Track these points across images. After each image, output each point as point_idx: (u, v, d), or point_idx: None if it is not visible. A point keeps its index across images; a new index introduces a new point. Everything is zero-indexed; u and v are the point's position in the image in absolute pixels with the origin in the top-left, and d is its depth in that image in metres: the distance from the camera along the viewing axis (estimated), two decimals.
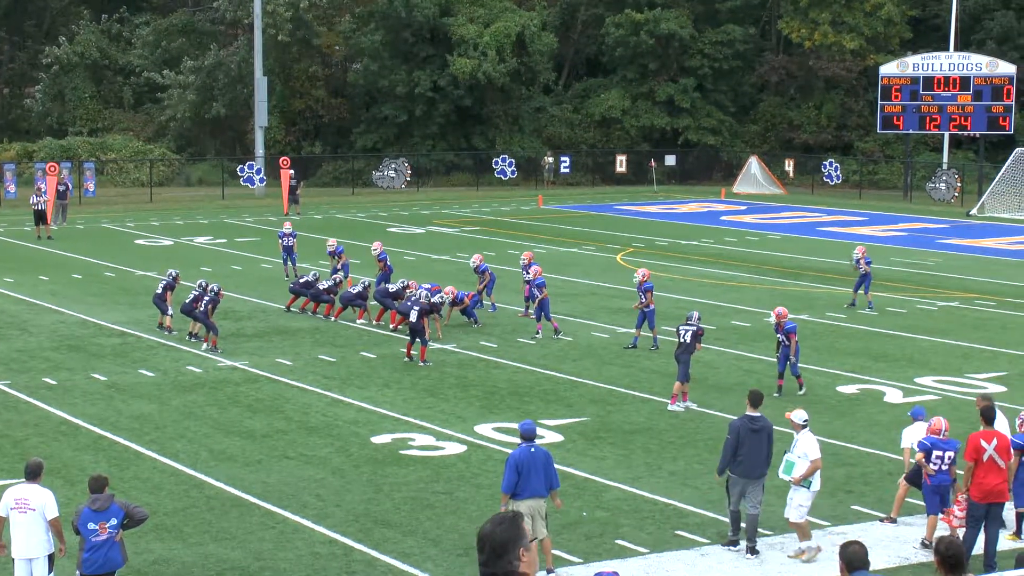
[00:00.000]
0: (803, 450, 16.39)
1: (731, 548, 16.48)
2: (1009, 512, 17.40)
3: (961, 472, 16.68)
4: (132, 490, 18.43)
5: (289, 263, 37.67)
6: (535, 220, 54.69)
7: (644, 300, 28.27)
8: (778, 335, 24.63)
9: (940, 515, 16.69)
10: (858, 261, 33.29)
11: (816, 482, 16.46)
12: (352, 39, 73.25)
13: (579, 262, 42.17)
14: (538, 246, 44.36)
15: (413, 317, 26.94)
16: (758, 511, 16.51)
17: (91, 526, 13.57)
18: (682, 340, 23.81)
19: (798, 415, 16.78)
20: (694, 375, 24.30)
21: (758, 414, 16.73)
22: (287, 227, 38.40)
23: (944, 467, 16.54)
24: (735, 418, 17.18)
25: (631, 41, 72.68)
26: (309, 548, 16.50)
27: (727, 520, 16.81)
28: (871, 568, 15.77)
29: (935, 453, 16.54)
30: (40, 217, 47.76)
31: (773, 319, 24.98)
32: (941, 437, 16.68)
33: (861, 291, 33.38)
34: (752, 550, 16.41)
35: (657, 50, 73.18)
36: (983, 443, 15.93)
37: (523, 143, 73.30)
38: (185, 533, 16.98)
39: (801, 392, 24.39)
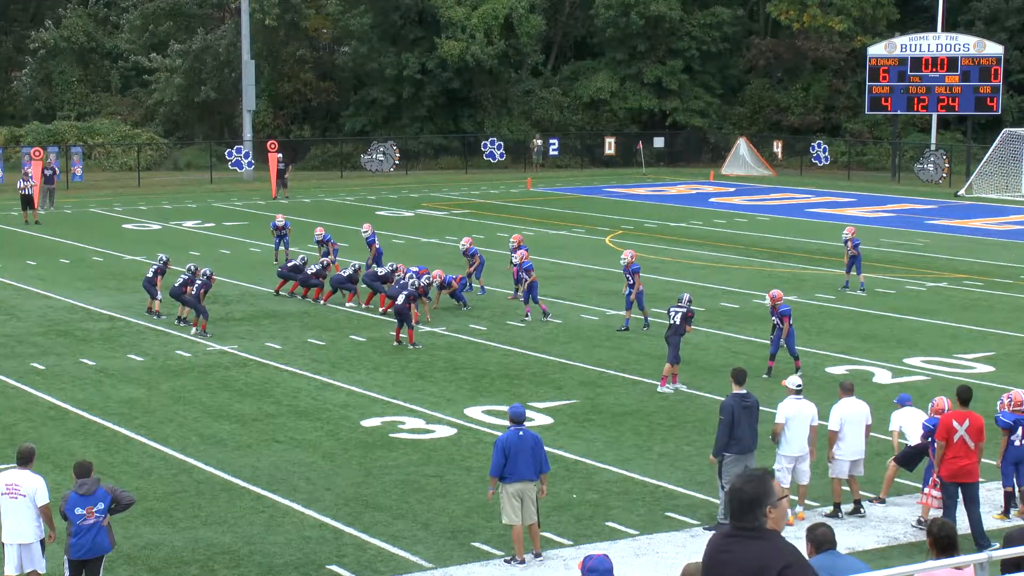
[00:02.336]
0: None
1: None
2: (997, 492, 17.47)
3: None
4: (122, 475, 18.41)
5: (282, 247, 37.35)
6: (524, 203, 54.66)
7: (633, 281, 28.21)
8: (773, 317, 24.63)
9: (919, 498, 16.81)
10: (846, 242, 33.23)
11: (784, 447, 16.95)
12: (340, 21, 73.07)
13: (568, 245, 42.17)
14: (527, 229, 44.33)
15: (400, 300, 26.95)
16: None
17: (78, 511, 13.55)
18: (672, 322, 23.85)
19: (791, 381, 17.42)
20: (684, 357, 24.31)
21: (745, 391, 16.94)
22: (280, 219, 37.86)
23: None
24: (724, 398, 17.25)
25: (621, 23, 72.58)
26: (299, 532, 16.50)
27: (717, 502, 16.84)
28: (862, 549, 15.87)
29: None
30: (28, 202, 47.62)
31: (768, 301, 24.92)
32: None
33: (853, 272, 33.35)
34: None
35: (646, 31, 73.10)
36: (955, 423, 16.11)
37: (512, 126, 73.22)
38: (175, 517, 16.97)
39: (797, 375, 24.35)
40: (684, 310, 23.93)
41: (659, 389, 23.46)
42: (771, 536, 6.79)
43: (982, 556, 7.62)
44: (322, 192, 59.01)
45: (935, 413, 16.86)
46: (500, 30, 70.45)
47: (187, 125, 75.56)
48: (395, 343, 27.12)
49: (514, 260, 30.96)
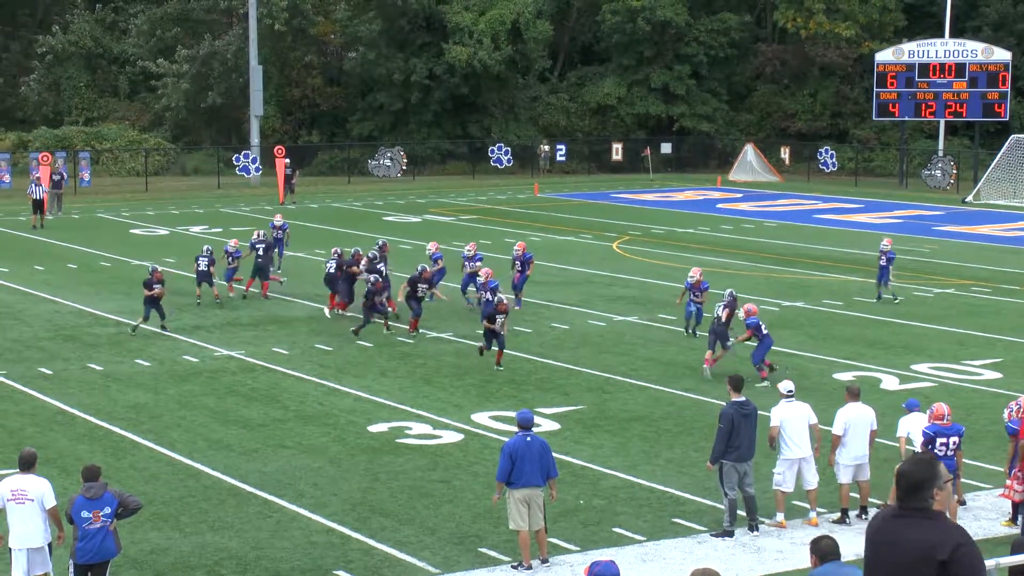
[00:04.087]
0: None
1: (726, 538, 16.48)
2: (1005, 499, 17.44)
3: (967, 460, 16.91)
4: (128, 479, 18.41)
5: (276, 254, 37.25)
6: (531, 208, 54.66)
7: (702, 299, 28.26)
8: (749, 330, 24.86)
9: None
10: (882, 253, 32.97)
11: (783, 451, 17.06)
12: (348, 27, 73.16)
13: (575, 250, 42.15)
14: (534, 234, 44.34)
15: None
16: (753, 491, 16.81)
17: (85, 515, 13.55)
18: (716, 315, 25.09)
19: (783, 385, 17.59)
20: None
21: (744, 398, 16.94)
22: (278, 219, 37.88)
23: (949, 452, 16.56)
24: (723, 406, 17.25)
25: (627, 28, 72.62)
26: (306, 537, 16.50)
27: (723, 508, 16.80)
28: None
29: (939, 440, 16.53)
30: (37, 206, 47.69)
31: (742, 315, 24.94)
32: (944, 423, 16.71)
33: (883, 283, 33.13)
34: (754, 527, 16.68)
35: (653, 37, 73.13)
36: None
37: (519, 131, 73.27)
38: (182, 522, 16.98)
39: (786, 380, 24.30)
40: (724, 302, 25.10)
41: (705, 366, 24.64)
42: (940, 517, 6.97)
43: (989, 563, 7.60)
44: (329, 198, 59.03)
45: (934, 419, 16.83)
46: (507, 35, 70.51)
47: (194, 130, 75.66)
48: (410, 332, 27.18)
49: (518, 267, 31.13)
